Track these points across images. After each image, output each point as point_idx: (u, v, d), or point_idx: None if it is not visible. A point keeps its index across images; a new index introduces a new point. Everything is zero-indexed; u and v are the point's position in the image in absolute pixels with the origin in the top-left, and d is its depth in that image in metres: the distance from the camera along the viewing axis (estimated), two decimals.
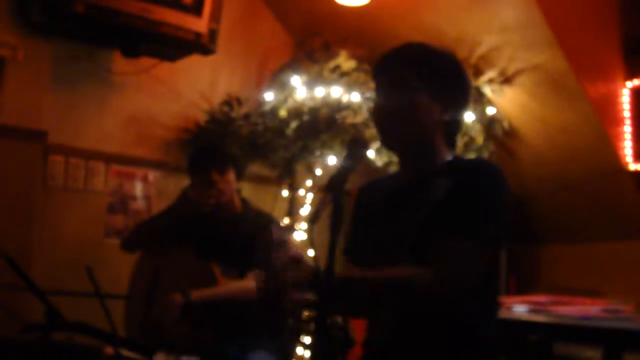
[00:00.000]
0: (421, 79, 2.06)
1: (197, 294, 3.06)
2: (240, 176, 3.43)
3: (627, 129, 4.53)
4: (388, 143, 2.20)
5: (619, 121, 4.55)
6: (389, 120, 2.10)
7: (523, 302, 2.97)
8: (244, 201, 3.49)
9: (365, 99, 4.33)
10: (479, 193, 1.96)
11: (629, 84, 4.59)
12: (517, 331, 2.47)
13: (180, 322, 3.01)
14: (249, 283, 3.18)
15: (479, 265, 1.94)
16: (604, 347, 2.57)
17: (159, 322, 3.04)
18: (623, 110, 4.58)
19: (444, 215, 1.94)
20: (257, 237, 3.27)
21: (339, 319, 3.57)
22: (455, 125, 2.17)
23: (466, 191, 1.96)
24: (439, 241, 1.92)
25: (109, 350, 2.03)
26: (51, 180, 4.27)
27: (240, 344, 3.14)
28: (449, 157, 2.13)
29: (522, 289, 4.95)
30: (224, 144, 3.67)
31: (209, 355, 2.87)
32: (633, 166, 4.49)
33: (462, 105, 2.16)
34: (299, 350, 4.29)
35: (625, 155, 4.50)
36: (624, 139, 4.53)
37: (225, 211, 3.37)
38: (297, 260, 1.93)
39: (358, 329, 2.16)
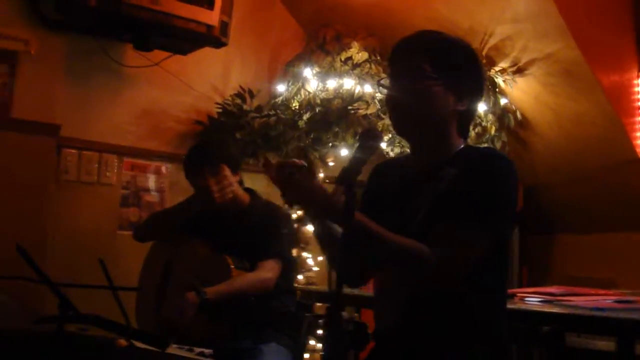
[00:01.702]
0: (436, 68, 2.06)
1: (211, 291, 3.06)
2: (235, 170, 3.42)
3: None
4: (400, 131, 2.20)
5: (633, 111, 4.53)
6: (402, 109, 2.10)
7: (535, 293, 2.96)
8: (251, 193, 3.49)
9: (379, 85, 4.32)
10: (483, 181, 1.96)
11: None
12: (529, 322, 2.46)
13: (195, 318, 3.02)
14: (261, 274, 3.19)
15: (474, 252, 1.93)
16: (617, 338, 2.56)
17: (174, 322, 3.05)
18: (637, 100, 4.55)
19: (449, 203, 1.95)
20: (263, 229, 3.28)
21: (355, 314, 3.58)
22: (469, 115, 2.16)
23: (471, 179, 1.96)
24: (438, 227, 1.93)
25: (122, 342, 2.03)
26: (64, 174, 4.29)
27: (253, 337, 3.15)
28: (461, 146, 2.13)
29: (534, 279, 4.95)
30: (211, 143, 3.65)
31: (222, 347, 2.88)
32: None
33: (476, 96, 2.16)
34: (312, 342, 4.31)
35: (639, 145, 4.48)
36: (638, 129, 4.51)
37: (232, 205, 3.37)
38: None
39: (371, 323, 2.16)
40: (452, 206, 1.93)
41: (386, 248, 1.93)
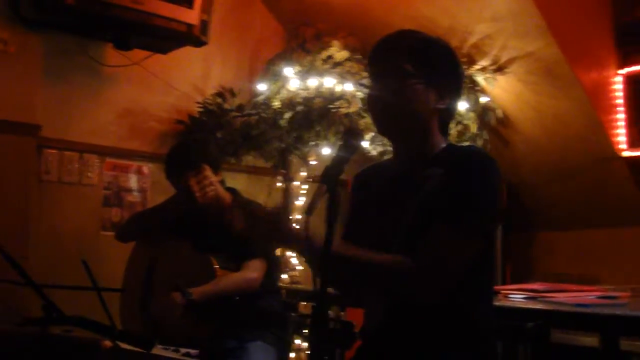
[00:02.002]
0: (416, 67, 2.06)
1: (197, 292, 3.05)
2: (216, 170, 3.40)
3: (621, 115, 4.55)
4: (383, 131, 2.20)
5: (612, 108, 4.57)
6: (385, 108, 2.10)
7: (519, 290, 2.98)
8: (233, 192, 3.48)
9: (360, 85, 4.32)
10: (467, 181, 1.95)
11: (622, 71, 4.60)
12: (513, 319, 2.47)
13: (180, 319, 3.02)
14: (247, 274, 3.19)
15: (463, 252, 1.92)
16: (600, 333, 2.58)
17: (160, 323, 3.03)
18: (616, 97, 4.59)
19: (435, 204, 1.95)
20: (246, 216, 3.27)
21: (341, 313, 3.58)
22: (450, 113, 2.17)
23: (456, 179, 1.96)
24: (427, 228, 1.92)
25: (107, 343, 2.02)
26: (46, 174, 4.26)
27: (239, 336, 3.14)
28: (443, 145, 2.14)
29: (517, 276, 4.97)
30: (191, 144, 3.63)
31: (207, 347, 2.87)
32: (627, 153, 4.52)
33: (456, 93, 2.16)
34: (298, 342, 4.31)
35: (619, 142, 4.52)
36: (618, 126, 4.55)
37: (214, 204, 3.36)
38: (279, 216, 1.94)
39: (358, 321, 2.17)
40: (439, 207, 1.93)
41: (365, 275, 1.95)
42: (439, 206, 1.93)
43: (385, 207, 2.11)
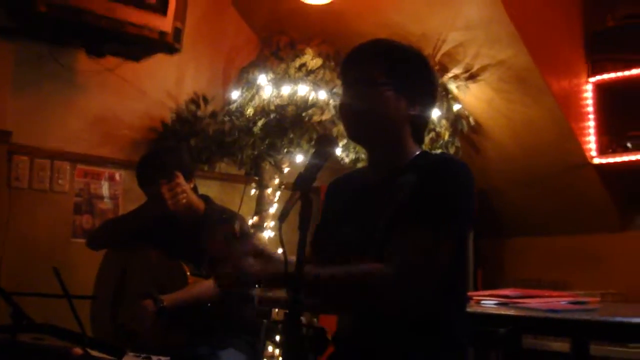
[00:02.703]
0: (387, 74, 2.08)
1: (168, 299, 3.04)
2: (189, 178, 3.39)
3: (591, 123, 4.61)
4: (354, 137, 2.22)
5: (582, 116, 4.62)
6: (356, 115, 2.11)
7: (491, 296, 2.99)
8: (206, 200, 3.47)
9: (333, 94, 4.34)
10: (440, 187, 1.96)
11: (593, 79, 4.66)
12: (485, 325, 2.48)
13: (152, 326, 3.00)
14: None
15: (439, 255, 1.92)
16: (571, 338, 2.60)
17: (132, 330, 3.02)
18: (587, 105, 4.65)
19: (407, 211, 1.95)
20: (218, 230, 3.26)
21: (313, 319, 3.58)
22: (422, 120, 2.18)
23: (429, 186, 1.96)
24: (397, 234, 1.92)
25: (78, 351, 2.01)
26: (16, 181, 4.22)
27: (210, 343, 3.13)
28: (416, 152, 2.15)
29: (489, 282, 5.00)
30: (163, 151, 3.61)
31: (179, 354, 2.86)
32: (597, 160, 4.57)
33: (429, 100, 2.18)
34: (270, 349, 4.30)
35: (589, 150, 4.58)
36: (588, 134, 4.60)
37: (187, 212, 3.35)
38: (260, 253, 1.92)
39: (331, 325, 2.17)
40: (411, 213, 1.94)
41: (333, 291, 1.93)
42: (410, 213, 1.94)
43: (359, 214, 2.11)
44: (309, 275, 1.78)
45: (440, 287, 1.94)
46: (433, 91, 2.21)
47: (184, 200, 3.29)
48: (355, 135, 2.19)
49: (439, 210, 1.93)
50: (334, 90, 4.37)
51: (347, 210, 2.18)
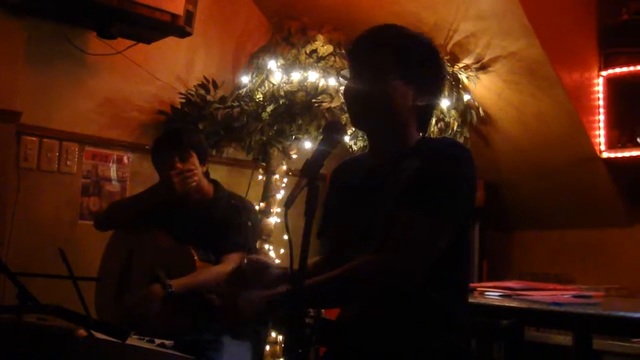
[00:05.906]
0: (396, 63, 2.06)
1: (177, 284, 3.03)
2: (203, 161, 3.40)
3: (601, 117, 4.58)
4: (357, 124, 2.21)
5: (593, 109, 4.60)
6: (362, 103, 2.10)
7: (495, 288, 3.00)
8: (215, 185, 3.47)
9: (340, 76, 4.32)
10: (439, 171, 1.95)
11: (604, 73, 4.63)
12: (488, 316, 2.49)
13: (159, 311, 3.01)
14: (227, 268, 3.17)
15: (433, 237, 1.91)
16: (574, 332, 2.60)
17: (139, 314, 3.02)
18: (597, 98, 4.62)
19: (409, 195, 1.94)
20: (228, 221, 3.27)
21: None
22: (428, 110, 2.17)
23: (429, 170, 1.96)
24: (396, 219, 1.92)
25: (82, 332, 2.01)
26: (24, 162, 4.22)
27: (215, 329, 3.14)
28: (418, 138, 2.14)
29: (494, 274, 5.00)
30: (184, 130, 3.61)
31: (183, 339, 2.86)
32: (606, 154, 4.55)
33: (436, 91, 2.16)
34: (273, 334, 4.32)
35: (598, 143, 4.56)
36: (598, 127, 4.58)
37: (196, 196, 3.35)
38: (260, 266, 1.94)
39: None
40: (412, 198, 1.93)
41: (335, 296, 1.98)
42: (411, 198, 1.93)
43: (363, 198, 2.11)
44: (306, 293, 1.79)
45: (441, 275, 1.94)
46: (441, 82, 2.20)
47: (194, 183, 3.30)
48: (358, 122, 2.19)
49: (435, 193, 1.92)
50: (341, 73, 4.35)
51: (351, 198, 2.18)
